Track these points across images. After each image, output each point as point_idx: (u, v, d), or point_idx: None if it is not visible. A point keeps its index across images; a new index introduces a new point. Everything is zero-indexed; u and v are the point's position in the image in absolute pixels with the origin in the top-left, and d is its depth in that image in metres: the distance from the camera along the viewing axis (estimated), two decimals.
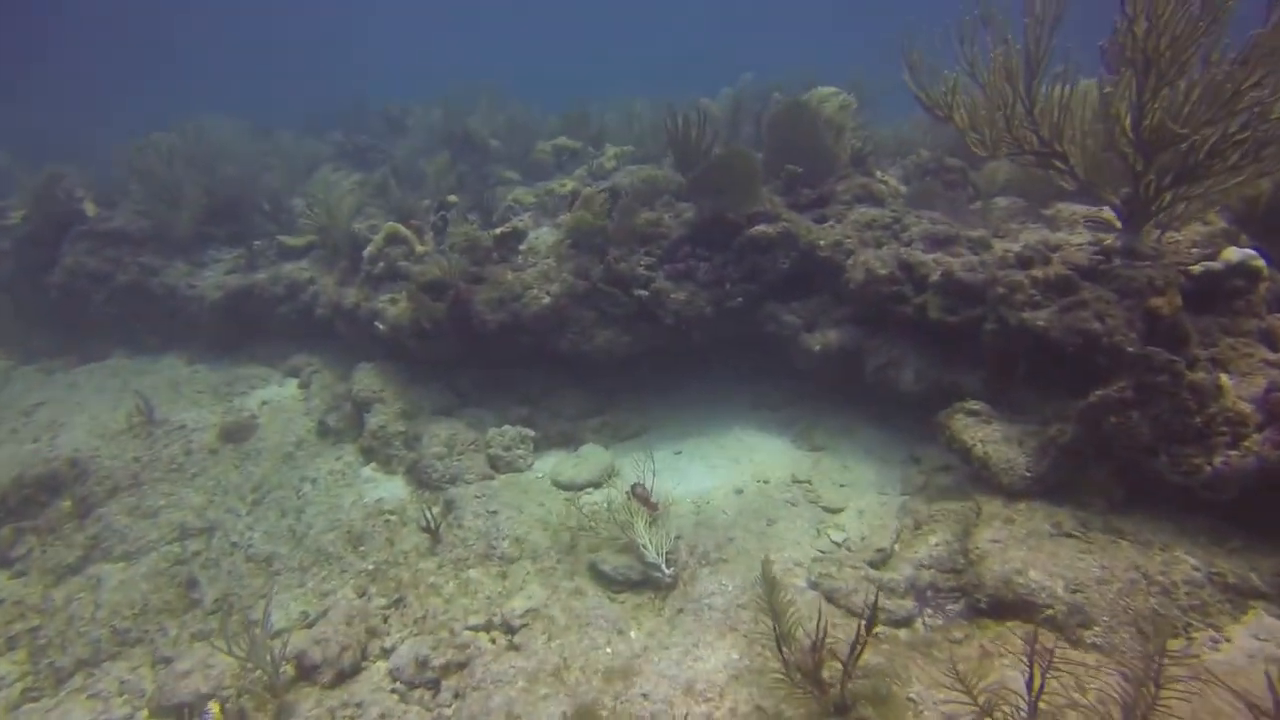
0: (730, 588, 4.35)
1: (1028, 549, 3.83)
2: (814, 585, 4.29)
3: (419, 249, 6.60)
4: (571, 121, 10.46)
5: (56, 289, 8.16)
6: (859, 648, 3.00)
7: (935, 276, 5.14)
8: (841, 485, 5.45)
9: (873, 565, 4.44)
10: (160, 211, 8.30)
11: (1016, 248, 5.03)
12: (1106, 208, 5.16)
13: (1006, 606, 3.64)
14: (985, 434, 4.54)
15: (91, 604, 4.95)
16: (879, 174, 7.07)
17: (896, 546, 4.60)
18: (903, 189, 6.98)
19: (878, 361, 5.46)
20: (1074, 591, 3.53)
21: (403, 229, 6.63)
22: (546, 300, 5.88)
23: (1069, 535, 3.93)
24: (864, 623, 3.01)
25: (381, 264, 6.54)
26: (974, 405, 4.74)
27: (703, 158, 6.10)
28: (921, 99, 4.75)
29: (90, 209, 9.88)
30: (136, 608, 4.89)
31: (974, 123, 4.56)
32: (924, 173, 7.71)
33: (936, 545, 4.32)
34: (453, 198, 7.40)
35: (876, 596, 3.44)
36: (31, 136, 19.18)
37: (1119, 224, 4.85)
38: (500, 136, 10.34)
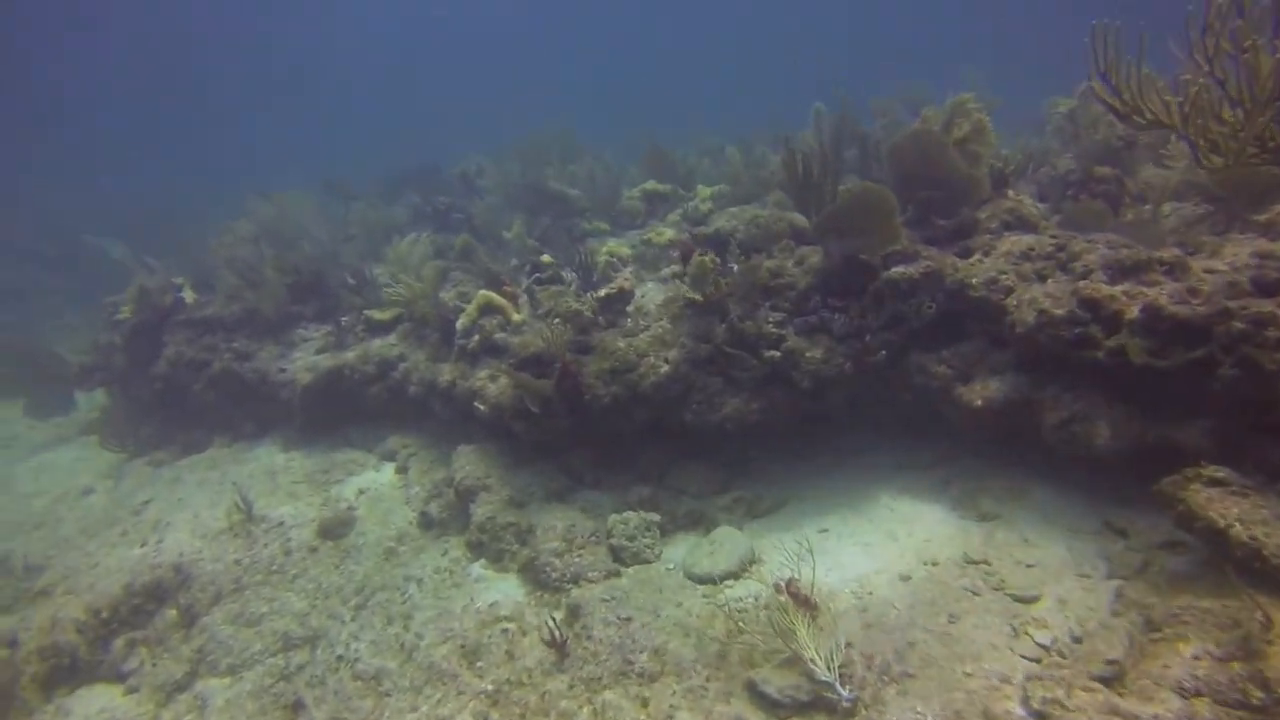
0: (929, 717, 3.55)
1: None
2: (1039, 717, 3.44)
3: (515, 318, 6.12)
4: (654, 163, 9.97)
5: (160, 380, 8.10)
6: None
7: (1134, 313, 4.26)
8: (1028, 565, 4.56)
9: (1106, 682, 3.55)
10: (248, 296, 8.17)
11: (1238, 267, 4.13)
12: None
13: None
14: (1244, 511, 3.60)
15: None
16: (1012, 193, 6.22)
17: (1131, 657, 3.68)
18: (1039, 207, 6.11)
19: (1060, 416, 4.58)
20: None
21: (496, 297, 6.17)
22: (665, 369, 5.27)
23: None
24: None
25: (476, 337, 6.08)
26: (1216, 472, 3.80)
27: (826, 196, 5.42)
28: (1114, 105, 3.95)
29: (189, 296, 9.95)
30: None
31: (1196, 124, 3.72)
32: (1065, 186, 6.81)
33: (1198, 660, 3.38)
34: (546, 257, 6.93)
35: None
36: (145, 216, 20.27)
37: None
38: (581, 185, 9.93)
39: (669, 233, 7.71)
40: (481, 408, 5.71)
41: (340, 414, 7.39)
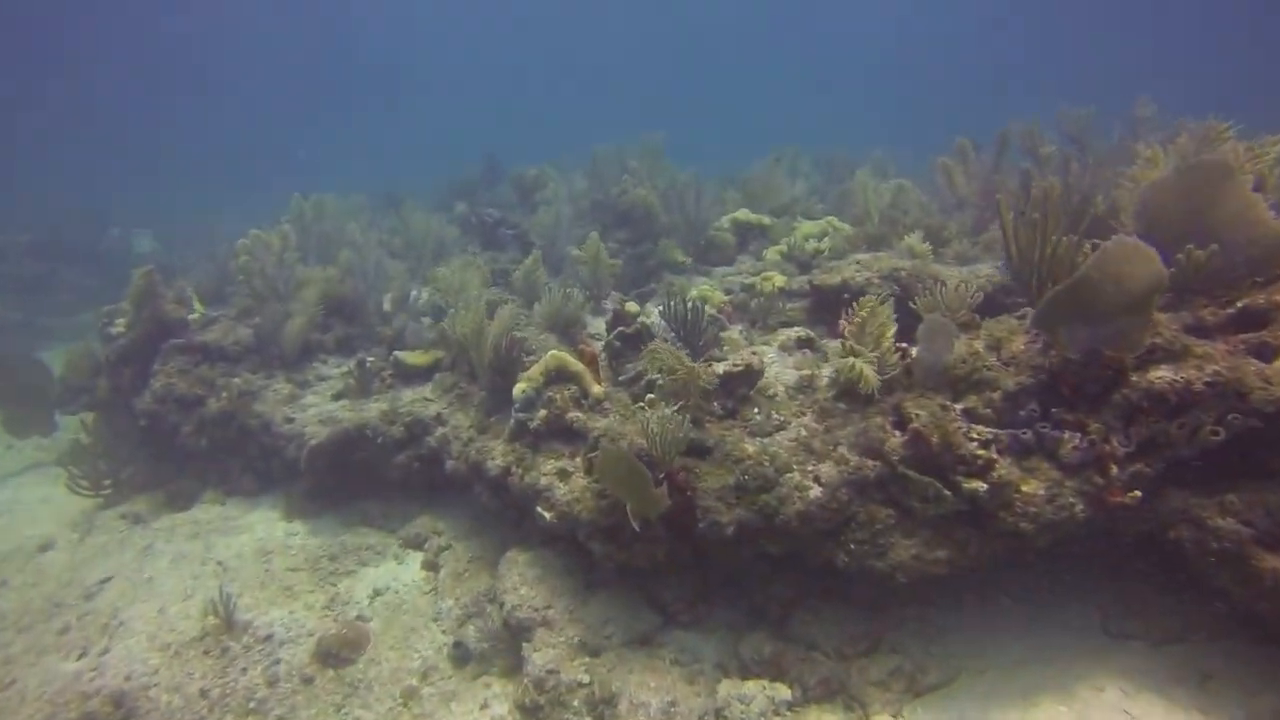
0: None
1: None
2: None
3: (595, 390, 4.62)
4: (749, 187, 8.45)
5: (145, 416, 6.69)
6: None
7: None
8: None
9: None
10: (264, 322, 6.77)
11: None
12: None
13: None
14: None
15: None
16: None
17: None
18: None
19: None
20: None
21: (570, 361, 4.67)
22: (816, 492, 3.72)
23: None
24: None
25: (542, 412, 4.58)
26: None
27: (1054, 257, 3.84)
28: None
29: (199, 308, 8.60)
30: None
31: None
32: None
33: None
34: (631, 305, 5.41)
35: None
36: (189, 213, 19.27)
37: None
38: (662, 206, 8.44)
39: (779, 278, 6.19)
40: (547, 515, 4.20)
41: (358, 481, 5.93)
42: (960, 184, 6.21)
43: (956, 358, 3.93)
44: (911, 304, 4.45)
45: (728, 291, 6.62)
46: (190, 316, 7.84)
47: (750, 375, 4.26)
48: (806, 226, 7.67)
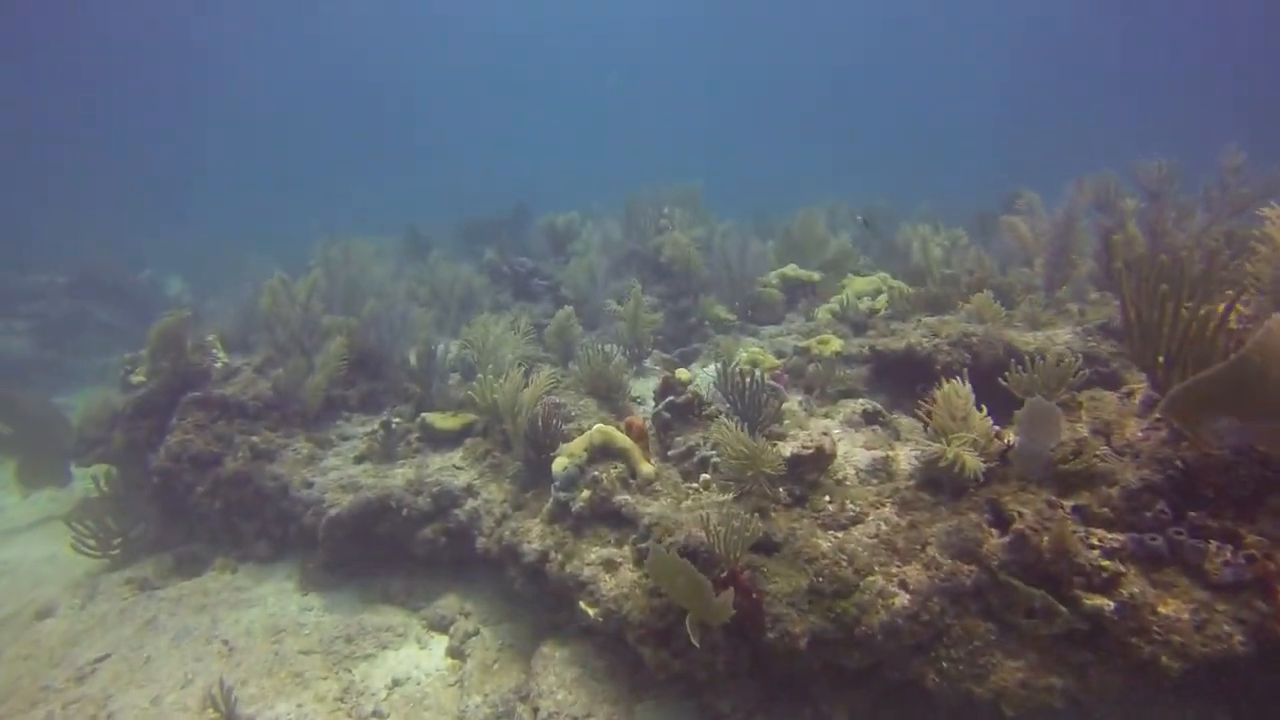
0: None
1: None
2: None
3: (645, 469, 4.17)
4: (789, 239, 8.08)
5: (158, 474, 6.34)
6: None
7: None
8: None
9: None
10: (285, 376, 6.44)
11: None
12: None
13: None
14: None
15: None
16: None
17: None
18: None
19: None
20: None
21: (618, 436, 4.24)
22: (903, 600, 3.21)
23: None
24: None
25: (586, 493, 4.13)
26: None
27: (1178, 335, 3.37)
28: None
29: (221, 356, 8.35)
30: None
31: None
32: None
33: None
34: (683, 372, 4.98)
35: None
36: (220, 251, 19.38)
37: None
38: (699, 261, 8.08)
39: (836, 342, 5.74)
40: (590, 612, 3.72)
41: (379, 554, 5.49)
42: (1028, 240, 5.77)
43: (1064, 447, 3.43)
44: (1002, 379, 3.98)
45: (779, 354, 6.18)
46: (215, 363, 7.57)
47: (821, 459, 3.78)
48: (858, 283, 7.25)
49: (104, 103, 47.23)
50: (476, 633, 4.87)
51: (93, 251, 19.75)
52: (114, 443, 7.11)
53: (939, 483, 3.62)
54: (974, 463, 3.41)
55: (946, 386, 3.69)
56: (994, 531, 3.35)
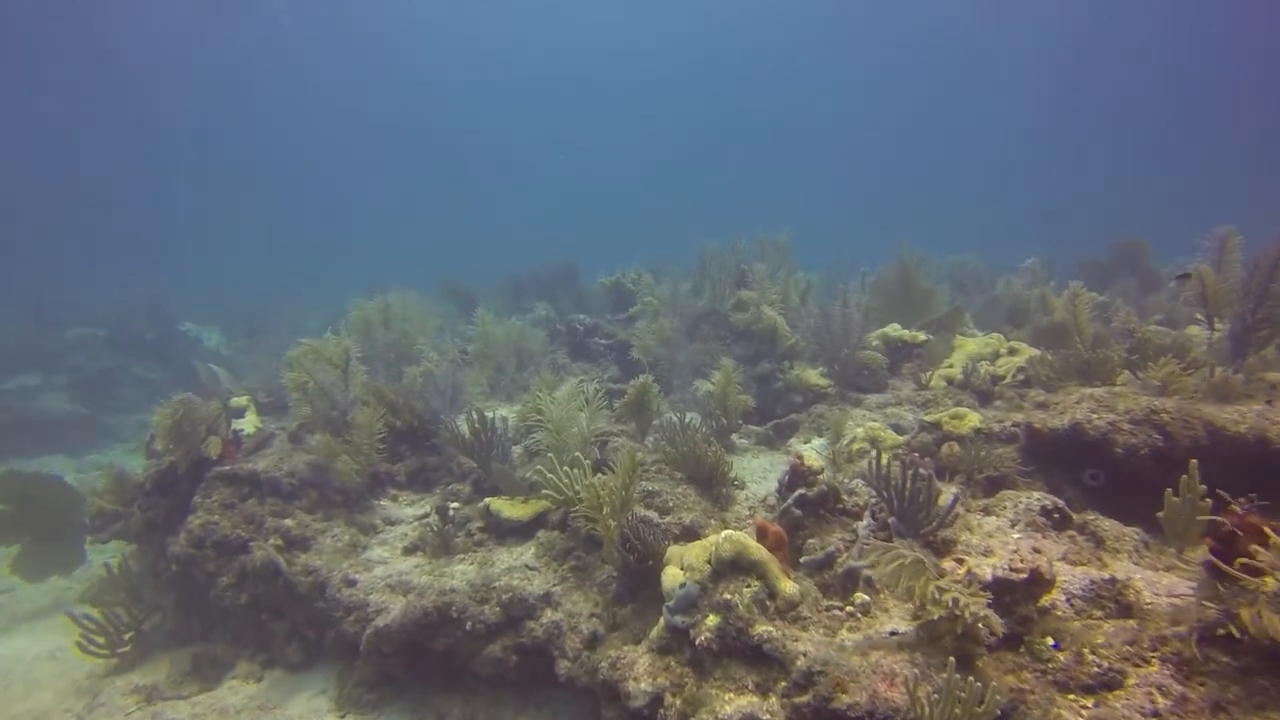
0: None
1: None
2: None
3: (785, 589, 3.24)
4: (890, 297, 7.23)
5: (177, 561, 5.53)
6: None
7: None
8: None
9: None
10: (320, 447, 5.65)
11: None
12: None
13: None
14: None
15: None
16: None
17: None
18: None
19: None
20: None
21: (752, 545, 3.33)
22: None
23: None
24: None
25: (713, 619, 3.20)
26: None
27: None
28: None
29: (252, 419, 7.66)
30: None
31: None
32: None
33: None
34: (811, 455, 4.07)
35: None
36: (259, 301, 19.08)
37: None
38: (792, 317, 7.26)
39: (973, 416, 4.81)
40: None
41: (433, 670, 4.56)
42: (1215, 293, 4.84)
43: None
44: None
45: (897, 428, 5.26)
46: (243, 433, 6.81)
47: (1038, 586, 2.83)
48: (970, 344, 6.35)
49: (156, 148, 48.77)
50: None
51: (128, 304, 19.53)
52: (134, 520, 6.33)
53: (1226, 641, 2.63)
54: (1251, 618, 2.45)
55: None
56: None
